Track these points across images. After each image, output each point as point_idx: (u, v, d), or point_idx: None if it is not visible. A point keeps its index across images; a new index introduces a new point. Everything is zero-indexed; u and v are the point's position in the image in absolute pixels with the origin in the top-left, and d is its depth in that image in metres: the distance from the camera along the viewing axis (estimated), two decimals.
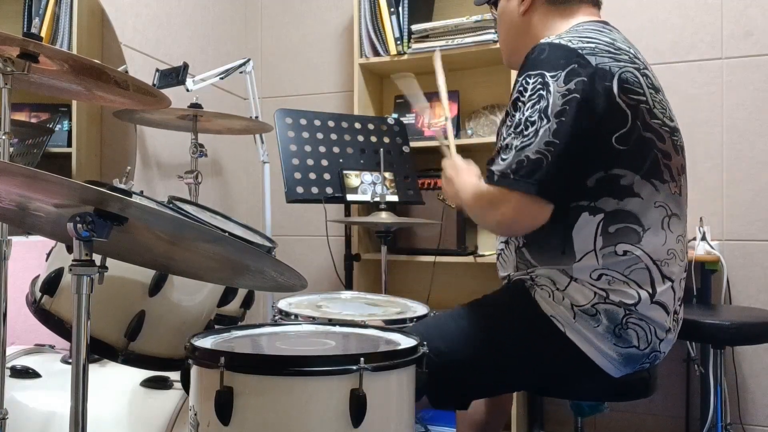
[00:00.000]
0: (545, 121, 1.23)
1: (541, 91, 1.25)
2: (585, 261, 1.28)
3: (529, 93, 1.27)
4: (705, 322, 1.79)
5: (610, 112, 1.24)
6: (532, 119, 1.24)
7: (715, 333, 1.80)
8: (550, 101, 1.23)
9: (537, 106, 1.24)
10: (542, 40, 1.32)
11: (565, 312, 1.29)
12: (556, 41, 1.30)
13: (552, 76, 1.24)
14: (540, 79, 1.25)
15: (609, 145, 1.25)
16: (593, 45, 1.28)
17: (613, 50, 1.30)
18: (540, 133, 1.23)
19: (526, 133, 1.24)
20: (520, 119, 1.27)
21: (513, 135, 1.27)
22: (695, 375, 2.37)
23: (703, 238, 2.33)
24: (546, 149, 1.22)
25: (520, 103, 1.28)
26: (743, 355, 2.47)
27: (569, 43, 1.28)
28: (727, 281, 2.44)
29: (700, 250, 2.32)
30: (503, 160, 1.26)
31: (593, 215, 1.28)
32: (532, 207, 1.25)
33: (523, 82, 1.28)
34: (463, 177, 1.45)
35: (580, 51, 1.26)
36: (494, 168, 1.27)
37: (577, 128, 1.22)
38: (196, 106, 2.20)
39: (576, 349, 1.28)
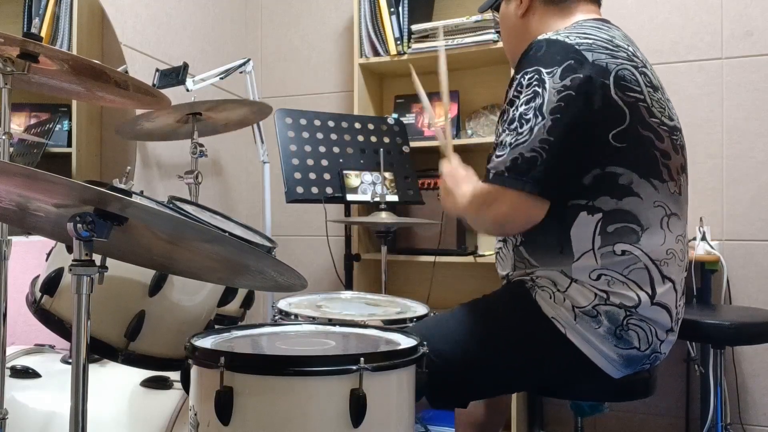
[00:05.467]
0: (540, 118, 1.22)
1: (537, 88, 1.24)
2: (583, 261, 1.28)
3: (524, 89, 1.26)
4: (705, 322, 1.79)
5: (606, 109, 1.24)
6: (527, 116, 1.24)
7: (715, 333, 1.79)
8: (546, 98, 1.23)
9: (532, 103, 1.24)
10: (539, 37, 1.32)
11: (566, 313, 1.28)
12: (554, 37, 1.29)
13: (548, 73, 1.24)
14: (536, 76, 1.25)
15: (605, 142, 1.25)
16: (591, 41, 1.28)
17: (611, 47, 1.29)
18: (535, 130, 1.22)
19: (520, 130, 1.24)
20: (514, 115, 1.26)
21: (507, 132, 1.26)
22: (695, 375, 2.36)
23: (703, 238, 2.33)
24: (541, 147, 1.21)
25: (516, 100, 1.27)
26: (743, 355, 2.47)
27: (566, 39, 1.27)
28: (727, 281, 2.44)
29: (700, 250, 2.32)
30: (498, 157, 1.26)
31: (591, 214, 1.27)
32: (527, 205, 1.24)
33: (520, 79, 1.28)
34: (462, 188, 1.40)
35: (576, 47, 1.26)
36: (489, 165, 1.27)
37: (572, 125, 1.22)
38: None
39: (576, 350, 1.28)
